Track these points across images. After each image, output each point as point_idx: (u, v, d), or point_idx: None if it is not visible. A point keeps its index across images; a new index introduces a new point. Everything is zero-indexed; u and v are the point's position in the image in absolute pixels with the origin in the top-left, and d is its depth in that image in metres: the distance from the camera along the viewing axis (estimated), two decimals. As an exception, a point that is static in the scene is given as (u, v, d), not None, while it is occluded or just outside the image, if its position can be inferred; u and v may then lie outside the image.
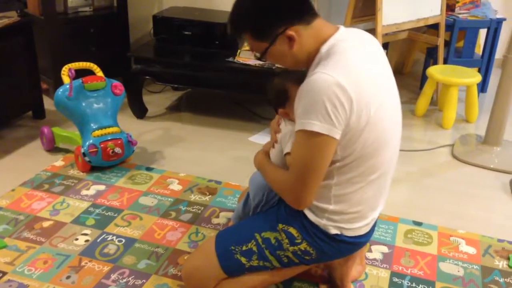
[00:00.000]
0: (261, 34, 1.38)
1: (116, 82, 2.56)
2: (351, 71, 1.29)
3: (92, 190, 2.33)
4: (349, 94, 1.26)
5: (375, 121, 1.34)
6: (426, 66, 3.61)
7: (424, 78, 3.51)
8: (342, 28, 1.40)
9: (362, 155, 1.37)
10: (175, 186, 2.39)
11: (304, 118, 1.29)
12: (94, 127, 2.44)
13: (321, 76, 1.27)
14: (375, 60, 1.41)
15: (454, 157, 2.78)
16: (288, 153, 1.48)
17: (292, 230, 1.50)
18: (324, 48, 1.35)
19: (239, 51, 2.96)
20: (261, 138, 2.93)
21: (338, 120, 1.28)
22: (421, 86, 3.61)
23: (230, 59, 2.94)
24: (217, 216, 2.16)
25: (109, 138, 2.44)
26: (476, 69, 3.49)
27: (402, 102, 3.53)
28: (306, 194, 1.40)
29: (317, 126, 1.28)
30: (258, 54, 1.43)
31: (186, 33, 3.16)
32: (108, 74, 2.64)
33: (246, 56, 2.93)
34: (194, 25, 3.16)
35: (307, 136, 1.30)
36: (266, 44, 1.38)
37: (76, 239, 1.97)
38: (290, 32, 1.34)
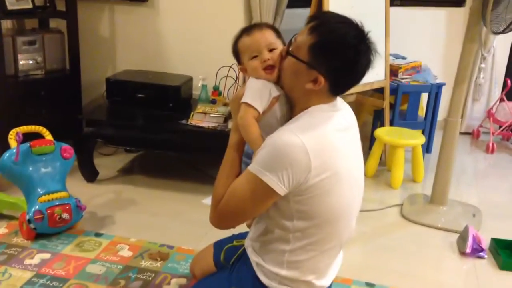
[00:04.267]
0: (315, 52, 1.35)
1: (65, 146, 2.52)
2: (320, 138, 1.34)
3: (37, 258, 2.23)
4: (311, 161, 1.30)
5: (336, 189, 1.37)
6: (374, 128, 3.75)
7: (372, 139, 3.64)
8: (337, 100, 1.45)
9: (321, 222, 1.39)
10: (125, 252, 2.32)
11: (260, 165, 1.33)
12: (40, 192, 2.37)
13: (291, 137, 1.30)
14: (349, 133, 1.46)
15: (403, 216, 2.85)
16: (242, 104, 1.44)
17: None
18: (312, 108, 1.40)
19: (192, 113, 3.00)
20: (214, 200, 2.91)
21: (291, 182, 1.31)
22: (370, 147, 3.73)
23: (184, 121, 2.97)
24: (169, 283, 2.10)
25: (57, 204, 2.37)
26: (420, 130, 3.65)
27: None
28: (225, 225, 1.48)
29: (267, 177, 1.32)
30: (292, 49, 1.40)
31: (140, 95, 3.18)
32: (59, 136, 2.60)
33: (199, 119, 2.96)
34: (148, 87, 3.19)
35: (255, 181, 1.34)
36: (306, 58, 1.36)
37: (17, 313, 1.86)
38: (322, 80, 1.35)
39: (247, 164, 1.42)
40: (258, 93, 1.44)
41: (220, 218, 1.46)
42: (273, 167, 1.31)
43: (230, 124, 2.87)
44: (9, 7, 3.06)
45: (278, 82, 1.47)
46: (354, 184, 1.45)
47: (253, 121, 1.43)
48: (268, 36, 1.48)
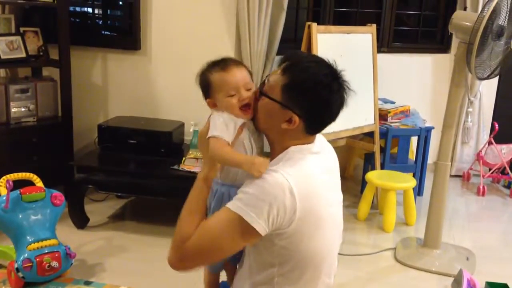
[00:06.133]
0: (288, 91, 1.35)
1: (56, 193, 2.51)
2: (307, 182, 1.32)
3: (24, 309, 2.18)
4: (296, 203, 1.28)
5: (319, 233, 1.36)
6: (365, 171, 3.77)
7: (364, 182, 3.65)
8: (316, 139, 1.44)
9: (305, 265, 1.38)
10: (115, 301, 2.27)
11: (244, 204, 1.28)
12: (30, 240, 2.34)
13: (279, 178, 1.28)
14: (332, 175, 1.46)
15: (397, 260, 2.82)
16: (210, 138, 1.39)
17: None
18: (292, 149, 1.38)
19: (184, 158, 3.01)
20: (206, 246, 2.88)
21: (273, 223, 1.28)
22: (362, 190, 3.74)
23: (175, 166, 2.97)
24: (159, 333, 2.05)
25: (46, 251, 2.34)
26: (411, 174, 3.67)
27: (345, 206, 3.62)
28: (191, 264, 1.37)
29: (251, 218, 1.26)
30: (265, 90, 1.40)
31: (131, 141, 3.20)
32: (50, 183, 2.59)
33: (191, 164, 2.97)
34: (139, 133, 3.22)
35: (237, 220, 1.28)
36: (279, 98, 1.36)
37: None
38: (296, 119, 1.35)
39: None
40: (224, 125, 1.40)
41: (185, 258, 1.36)
42: (258, 207, 1.27)
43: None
44: (3, 56, 3.11)
45: (253, 122, 1.46)
46: (335, 227, 1.45)
47: (227, 146, 1.38)
48: (246, 74, 1.45)
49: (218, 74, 1.43)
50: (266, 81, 1.42)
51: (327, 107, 1.37)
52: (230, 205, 1.31)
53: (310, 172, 1.36)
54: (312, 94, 1.34)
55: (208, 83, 1.45)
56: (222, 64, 1.45)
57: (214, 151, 1.37)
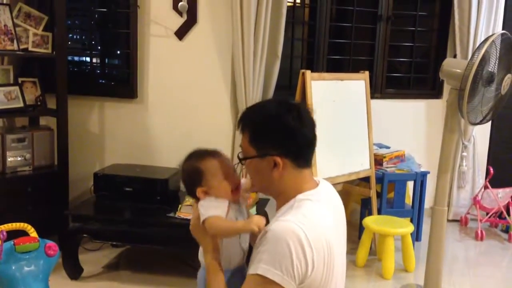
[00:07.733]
0: (256, 142, 1.41)
1: (50, 243, 2.47)
2: (320, 232, 1.32)
3: None
4: (313, 253, 1.28)
5: (328, 283, 1.35)
6: (362, 216, 3.75)
7: (361, 228, 3.62)
8: (321, 184, 1.47)
9: None
10: None
11: (266, 263, 1.28)
12: (22, 293, 2.29)
13: (295, 229, 1.28)
14: (338, 222, 1.47)
15: (397, 309, 2.78)
16: (209, 218, 1.46)
17: None
18: (300, 196, 1.39)
19: (180, 206, 2.99)
20: (202, 296, 2.82)
21: (298, 275, 1.28)
22: (360, 236, 3.71)
23: (171, 214, 2.95)
24: None
25: (39, 304, 2.28)
26: (408, 218, 3.65)
27: (343, 253, 3.59)
28: None
29: (278, 276, 1.26)
30: (241, 156, 1.46)
31: (127, 189, 3.18)
32: (45, 232, 2.55)
33: (187, 211, 2.94)
34: (135, 181, 3.21)
35: (263, 282, 1.27)
36: (254, 153, 1.42)
37: None
38: (279, 160, 1.39)
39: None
40: (216, 204, 1.48)
41: None
42: (281, 263, 1.27)
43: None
44: (0, 106, 3.13)
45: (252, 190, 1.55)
46: (341, 277, 1.44)
47: (225, 219, 1.47)
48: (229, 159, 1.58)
49: (210, 161, 1.52)
50: (240, 151, 1.49)
51: (291, 133, 1.40)
52: (256, 269, 1.29)
53: (322, 224, 1.36)
54: (272, 129, 1.40)
55: (199, 171, 1.52)
56: (210, 152, 1.55)
57: (216, 227, 1.45)
